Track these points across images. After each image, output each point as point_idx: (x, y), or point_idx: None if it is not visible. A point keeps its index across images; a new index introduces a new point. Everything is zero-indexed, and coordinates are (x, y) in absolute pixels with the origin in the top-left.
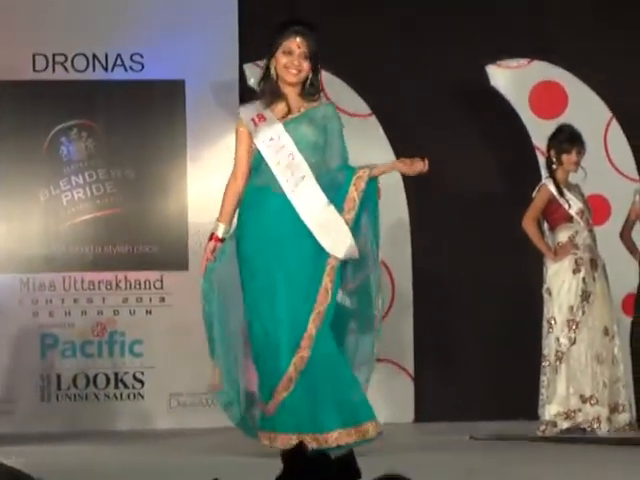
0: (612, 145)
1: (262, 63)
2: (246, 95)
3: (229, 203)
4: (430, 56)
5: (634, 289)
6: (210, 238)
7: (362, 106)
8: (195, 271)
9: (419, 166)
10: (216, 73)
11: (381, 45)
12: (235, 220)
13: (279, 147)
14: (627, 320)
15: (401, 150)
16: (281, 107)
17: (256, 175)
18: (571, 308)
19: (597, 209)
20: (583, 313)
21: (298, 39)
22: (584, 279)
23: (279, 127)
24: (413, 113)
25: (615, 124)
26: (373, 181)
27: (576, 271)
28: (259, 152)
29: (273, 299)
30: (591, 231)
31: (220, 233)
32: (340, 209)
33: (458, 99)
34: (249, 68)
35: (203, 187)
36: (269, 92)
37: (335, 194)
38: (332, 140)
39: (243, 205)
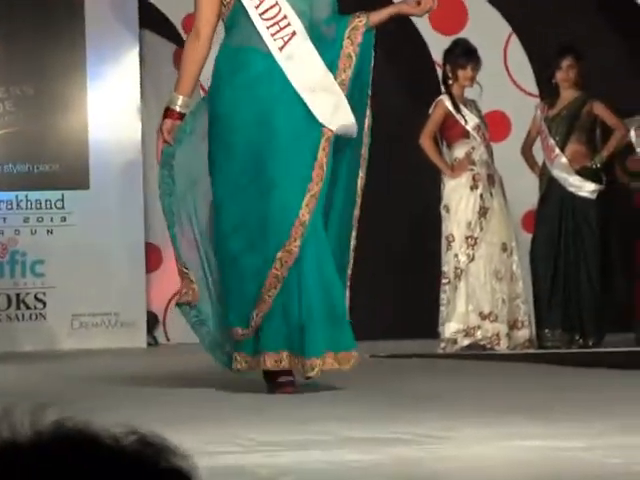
0: (512, 61)
1: None
2: (144, 11)
3: (190, 69)
4: None
5: (534, 205)
6: (165, 115)
7: None
8: (96, 190)
9: (428, 3)
10: None
11: None
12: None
13: None
14: (528, 237)
15: None
16: None
17: (231, 34)
18: (469, 224)
19: (498, 125)
20: (481, 229)
21: None
22: (481, 195)
23: None
24: None
25: (515, 39)
26: (369, 32)
27: (473, 187)
28: (236, 3)
29: (255, 181)
30: (488, 147)
31: (178, 107)
32: (333, 68)
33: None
34: None
35: (104, 104)
36: None
37: (326, 50)
38: None
39: (217, 72)
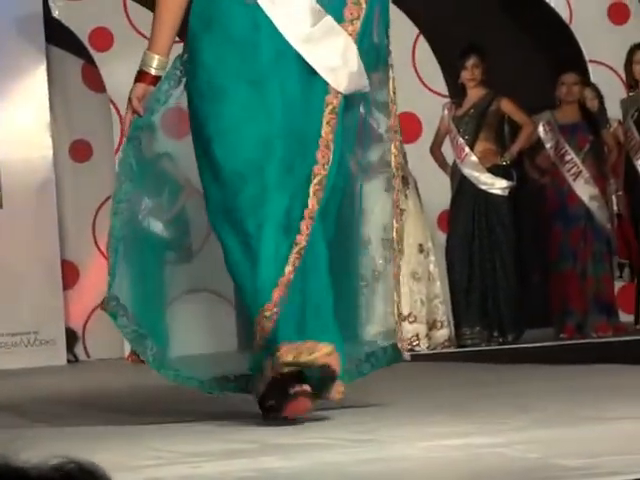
0: (420, 62)
1: None
2: (50, 27)
3: (164, 20)
4: None
5: (448, 205)
6: (137, 78)
7: None
8: (8, 209)
9: None
10: (19, 6)
11: None
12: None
13: None
14: (444, 236)
15: None
16: None
17: None
18: (384, 227)
19: (408, 127)
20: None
21: None
22: None
23: None
24: None
25: (422, 40)
26: None
27: (388, 189)
28: None
29: (258, 171)
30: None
31: (153, 69)
32: (339, 19)
33: None
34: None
35: (12, 122)
36: None
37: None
38: None
39: (194, 27)
